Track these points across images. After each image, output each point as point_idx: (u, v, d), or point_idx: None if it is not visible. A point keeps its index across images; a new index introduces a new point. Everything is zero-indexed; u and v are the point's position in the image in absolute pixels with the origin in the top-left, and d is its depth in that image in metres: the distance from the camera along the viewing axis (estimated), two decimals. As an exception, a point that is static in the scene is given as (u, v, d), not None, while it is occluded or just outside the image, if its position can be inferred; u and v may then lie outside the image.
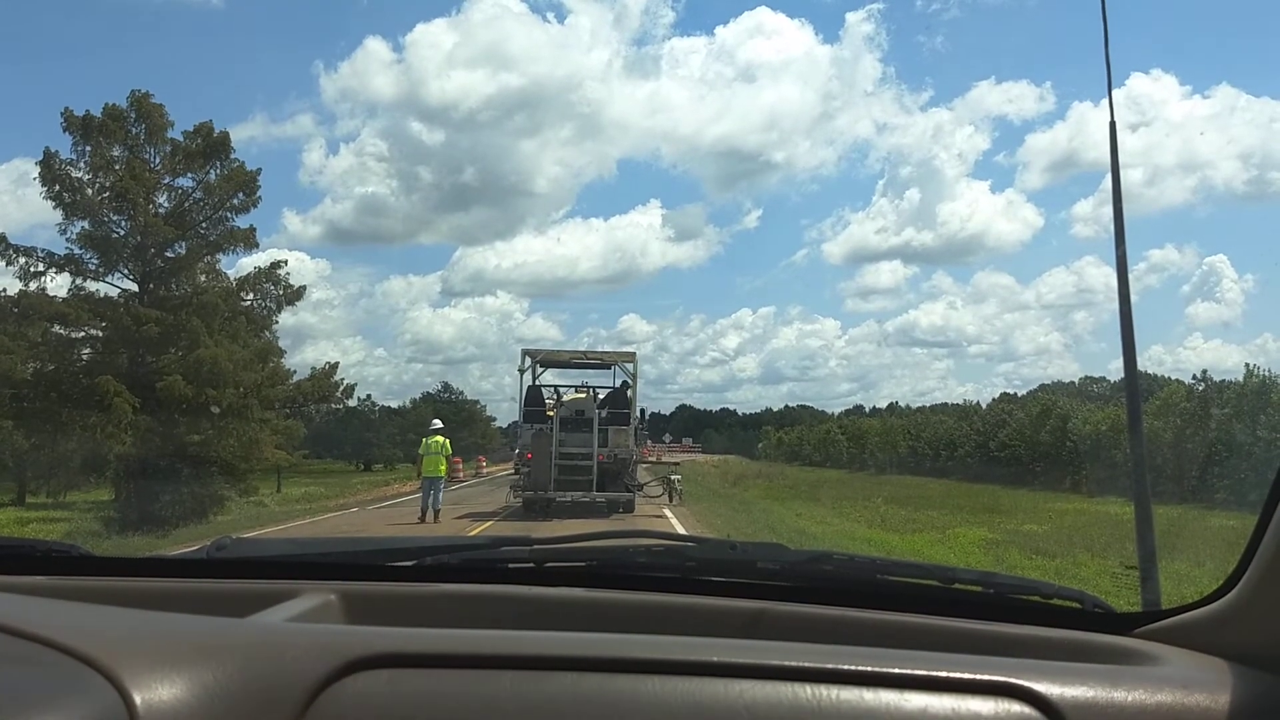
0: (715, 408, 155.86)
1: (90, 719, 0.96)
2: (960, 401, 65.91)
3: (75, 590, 1.48)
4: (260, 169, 29.22)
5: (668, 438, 53.72)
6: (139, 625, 1.21)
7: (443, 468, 19.93)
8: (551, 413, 21.35)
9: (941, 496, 29.45)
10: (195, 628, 1.21)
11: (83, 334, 27.14)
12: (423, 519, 19.22)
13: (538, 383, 23.56)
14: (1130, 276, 5.81)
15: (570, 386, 24.55)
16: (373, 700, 1.08)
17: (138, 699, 1.00)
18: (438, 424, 21.22)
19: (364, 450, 72.88)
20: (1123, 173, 6.04)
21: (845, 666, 1.12)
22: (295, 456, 31.63)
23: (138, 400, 24.71)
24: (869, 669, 1.12)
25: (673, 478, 22.45)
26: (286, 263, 30.00)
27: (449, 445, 20.81)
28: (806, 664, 1.12)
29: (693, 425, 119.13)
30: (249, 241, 29.04)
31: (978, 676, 1.12)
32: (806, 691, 1.09)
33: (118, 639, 1.10)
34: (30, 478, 32.05)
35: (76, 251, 27.11)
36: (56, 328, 26.57)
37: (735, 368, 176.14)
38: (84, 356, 27.19)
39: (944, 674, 1.12)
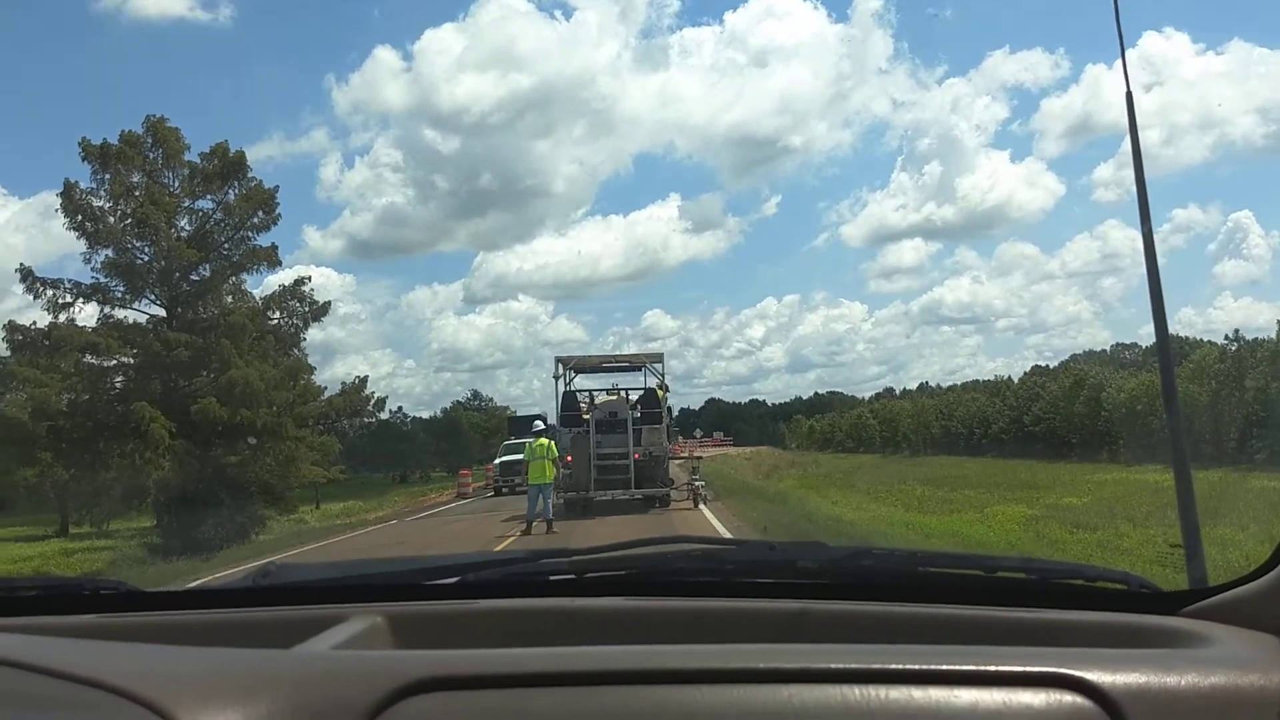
0: (744, 399, 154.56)
1: None
2: (991, 378, 64.89)
3: (125, 628, 1.50)
4: (278, 186, 29.36)
5: (699, 433, 53.31)
6: (190, 662, 1.22)
7: (550, 472, 18.29)
8: (587, 416, 21.76)
9: (978, 475, 29.24)
10: (245, 661, 1.23)
11: (114, 362, 27.33)
12: (528, 530, 17.46)
13: (571, 388, 23.93)
14: (1155, 238, 5.71)
15: (602, 390, 24.94)
16: None
17: None
18: (539, 425, 19.97)
19: (399, 462, 73.40)
20: (1141, 134, 5.95)
21: (892, 665, 1.12)
22: (333, 472, 31.75)
23: (173, 425, 24.84)
24: (916, 667, 1.12)
25: (696, 482, 21.19)
26: (310, 279, 30.28)
27: (554, 448, 19.00)
28: (854, 665, 1.13)
29: (722, 419, 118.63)
30: (272, 260, 29.19)
31: (1027, 668, 1.12)
32: (855, 693, 1.09)
33: (169, 677, 1.12)
34: (72, 508, 32.45)
35: (103, 280, 27.32)
36: (88, 357, 26.75)
37: (762, 358, 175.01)
38: (117, 384, 27.40)
39: (992, 668, 1.11)
